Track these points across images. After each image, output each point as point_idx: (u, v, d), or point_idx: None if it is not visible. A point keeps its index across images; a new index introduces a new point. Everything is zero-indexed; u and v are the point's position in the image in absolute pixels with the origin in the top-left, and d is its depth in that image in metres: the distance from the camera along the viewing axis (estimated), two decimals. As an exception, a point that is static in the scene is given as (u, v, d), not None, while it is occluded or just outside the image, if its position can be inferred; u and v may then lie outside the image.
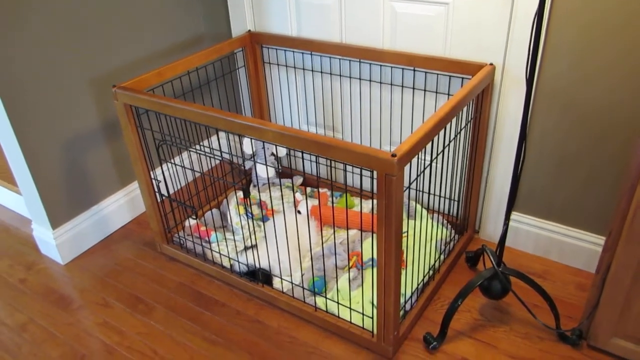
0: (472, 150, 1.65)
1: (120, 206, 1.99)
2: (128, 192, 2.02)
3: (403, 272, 1.64)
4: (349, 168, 2.06)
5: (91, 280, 1.78)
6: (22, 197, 2.01)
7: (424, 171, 1.38)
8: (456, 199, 1.81)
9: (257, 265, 1.64)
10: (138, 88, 1.60)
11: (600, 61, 1.39)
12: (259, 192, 1.62)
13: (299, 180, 2.13)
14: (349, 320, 1.50)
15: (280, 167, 2.18)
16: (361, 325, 1.48)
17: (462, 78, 1.61)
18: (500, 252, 1.46)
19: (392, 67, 1.72)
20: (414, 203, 1.89)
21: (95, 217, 1.91)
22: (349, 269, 1.67)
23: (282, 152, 2.10)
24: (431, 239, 1.74)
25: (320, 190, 2.08)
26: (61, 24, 1.64)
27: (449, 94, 1.66)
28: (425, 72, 1.67)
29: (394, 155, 1.12)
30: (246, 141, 2.05)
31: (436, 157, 1.34)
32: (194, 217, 1.89)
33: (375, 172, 1.37)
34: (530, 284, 1.46)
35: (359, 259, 1.71)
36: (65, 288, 1.76)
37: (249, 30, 1.96)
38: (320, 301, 1.57)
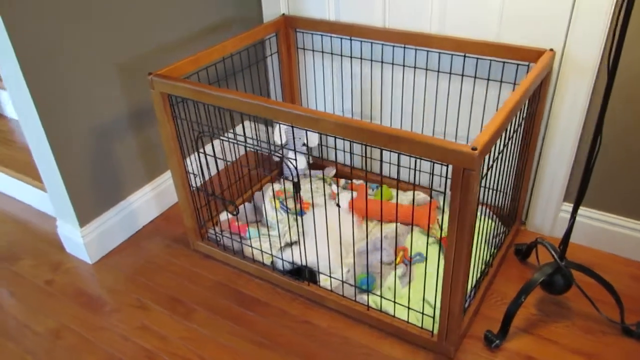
0: (525, 141, 1.58)
1: (148, 201, 1.90)
2: (155, 186, 1.92)
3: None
4: (403, 162, 1.98)
5: (123, 280, 1.69)
6: (45, 193, 1.91)
7: (493, 164, 1.30)
8: (506, 190, 1.75)
9: (304, 263, 1.57)
10: (174, 75, 1.50)
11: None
12: (298, 184, 1.54)
13: (331, 171, 2.05)
14: (405, 319, 1.43)
15: (311, 158, 2.09)
16: (419, 325, 1.42)
17: (517, 65, 1.53)
18: (564, 247, 1.39)
19: (440, 52, 1.64)
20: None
21: (123, 213, 1.82)
22: (396, 265, 1.61)
23: (313, 141, 2.01)
24: (479, 233, 1.68)
25: (355, 182, 2.01)
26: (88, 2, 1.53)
27: (501, 82, 1.59)
28: (477, 59, 1.59)
29: (474, 149, 1.05)
30: (277, 130, 1.96)
31: (504, 150, 1.27)
32: (235, 212, 1.80)
33: (449, 167, 1.30)
34: (594, 277, 1.40)
35: (406, 254, 1.64)
36: (95, 289, 1.67)
37: (283, 14, 1.86)
38: (372, 300, 1.50)
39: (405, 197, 1.90)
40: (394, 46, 1.72)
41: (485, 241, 1.66)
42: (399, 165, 1.27)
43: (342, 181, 2.02)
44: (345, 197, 1.82)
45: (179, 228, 1.91)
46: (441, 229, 1.69)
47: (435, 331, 1.39)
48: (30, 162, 2.09)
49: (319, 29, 1.79)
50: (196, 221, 1.72)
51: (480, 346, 1.41)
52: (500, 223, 1.74)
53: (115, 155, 1.75)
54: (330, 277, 1.57)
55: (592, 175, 1.59)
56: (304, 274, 1.57)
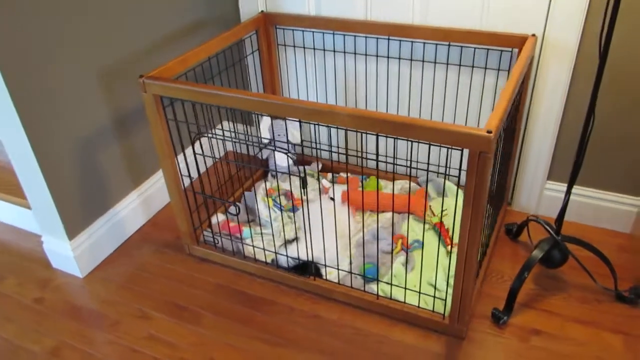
0: (511, 124, 1.65)
1: (135, 208, 1.84)
2: (141, 192, 1.87)
3: (454, 250, 1.63)
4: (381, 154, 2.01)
5: (119, 292, 1.64)
6: (26, 210, 1.82)
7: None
8: (496, 172, 1.81)
9: (310, 258, 1.57)
10: (165, 77, 1.47)
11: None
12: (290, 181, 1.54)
13: (317, 166, 2.06)
14: (414, 304, 1.47)
15: (295, 155, 2.09)
16: (430, 309, 1.45)
17: (501, 51, 1.59)
18: (560, 222, 1.47)
19: (424, 43, 1.68)
20: (441, 180, 1.88)
21: (111, 223, 1.76)
22: (397, 253, 1.64)
23: (296, 138, 2.01)
24: (454, 213, 1.73)
25: (342, 175, 2.02)
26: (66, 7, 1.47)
27: (485, 68, 1.64)
28: (461, 47, 1.64)
29: (489, 132, 1.09)
30: (264, 126, 1.95)
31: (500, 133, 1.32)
32: (236, 212, 1.77)
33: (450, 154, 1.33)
34: (589, 249, 1.49)
35: (404, 241, 1.68)
36: (92, 303, 1.61)
37: (262, 11, 1.85)
38: (380, 288, 1.52)
39: (394, 187, 1.94)
40: (377, 38, 1.74)
41: (479, 223, 1.72)
42: (394, 157, 1.30)
43: (329, 175, 2.03)
44: (337, 191, 1.83)
45: (169, 233, 1.86)
46: (443, 215, 1.73)
47: (446, 313, 1.43)
48: (4, 179, 1.98)
49: (300, 25, 1.79)
50: (191, 225, 1.69)
51: (488, 324, 1.47)
52: (489, 205, 1.81)
53: (100, 164, 1.69)
54: (338, 269, 1.58)
55: (571, 153, 1.68)
56: (310, 269, 1.57)
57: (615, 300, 1.50)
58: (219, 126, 2.23)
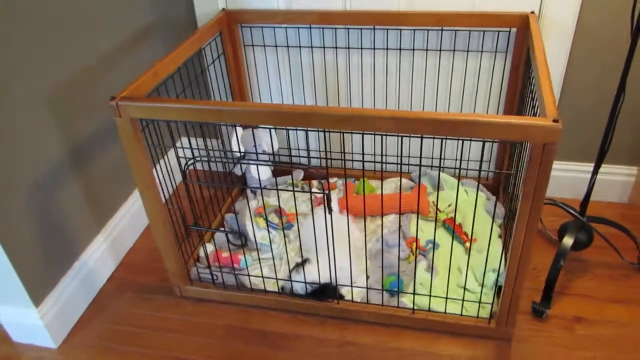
0: (508, 106, 1.58)
1: (103, 254, 1.56)
2: (107, 234, 1.58)
3: (474, 246, 1.54)
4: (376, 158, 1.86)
5: (106, 356, 1.37)
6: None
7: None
8: (488, 160, 1.75)
9: (327, 280, 1.40)
10: (138, 95, 1.22)
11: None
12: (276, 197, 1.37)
13: (300, 175, 1.88)
14: (456, 313, 1.36)
15: (273, 166, 1.90)
16: (474, 315, 1.35)
17: (498, 32, 1.51)
18: (585, 204, 1.42)
19: (414, 29, 1.56)
20: (435, 173, 1.79)
21: (80, 276, 1.47)
22: (414, 258, 1.52)
23: (275, 146, 1.81)
24: (477, 206, 1.66)
25: (330, 180, 1.87)
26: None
27: (482, 52, 1.56)
28: (454, 31, 1.54)
29: (555, 121, 0.99)
30: (235, 139, 1.73)
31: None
32: (242, 243, 1.56)
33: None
34: (613, 226, 1.47)
35: (418, 244, 1.56)
36: (76, 377, 1.33)
37: (224, 9, 1.62)
38: (409, 300, 1.39)
39: (387, 186, 1.81)
40: (361, 29, 1.60)
41: (487, 213, 1.65)
42: (401, 156, 1.17)
43: (314, 183, 1.86)
44: (333, 199, 1.68)
45: (148, 276, 1.60)
46: (449, 210, 1.64)
47: (485, 315, 1.33)
48: None
49: (271, 21, 1.60)
50: (183, 263, 1.45)
51: (529, 319, 1.39)
52: (488, 192, 1.75)
53: (59, 209, 1.39)
54: (368, 289, 1.42)
55: (570, 129, 1.65)
56: (330, 291, 1.40)
57: (638, 272, 1.50)
58: (178, 144, 1.97)
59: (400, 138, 1.74)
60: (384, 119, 1.05)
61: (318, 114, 1.08)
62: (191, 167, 2.01)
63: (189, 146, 1.93)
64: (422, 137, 1.07)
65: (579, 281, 1.49)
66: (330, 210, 1.23)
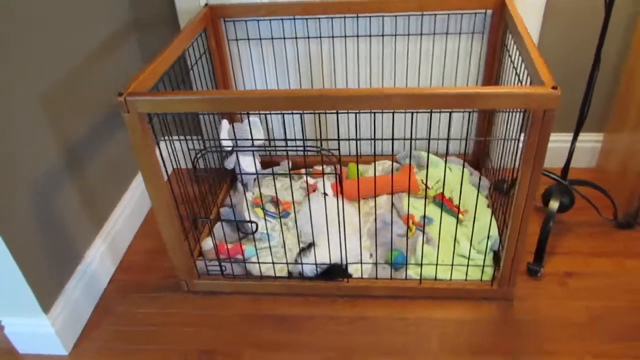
0: (485, 82, 1.68)
1: (102, 255, 1.53)
2: (105, 234, 1.56)
3: (466, 217, 1.62)
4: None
5: (125, 357, 1.35)
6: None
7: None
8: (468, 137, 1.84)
9: (335, 260, 1.44)
10: (142, 90, 1.22)
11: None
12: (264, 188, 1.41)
13: (286, 165, 1.91)
14: (461, 279, 1.43)
15: (259, 157, 1.91)
16: (477, 279, 1.43)
17: (475, 14, 1.60)
18: (566, 170, 1.54)
19: (396, 15, 1.62)
20: (418, 153, 1.86)
21: (85, 279, 1.44)
22: (414, 233, 1.59)
23: (261, 136, 1.83)
24: (462, 181, 1.75)
25: (317, 168, 1.90)
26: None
27: (460, 33, 1.64)
28: (435, 15, 1.61)
29: (555, 88, 1.07)
30: (224, 129, 1.73)
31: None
32: (253, 230, 1.56)
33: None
34: (593, 187, 1.59)
35: (414, 220, 1.63)
36: (95, 380, 1.31)
37: (207, 4, 1.63)
38: (415, 272, 1.46)
39: (376, 169, 1.87)
40: (344, 17, 1.64)
41: (473, 186, 1.74)
42: (393, 137, 1.23)
43: (302, 171, 1.90)
44: (326, 185, 1.72)
45: (150, 274, 1.58)
46: (436, 186, 1.71)
47: (486, 278, 1.42)
48: None
49: (255, 14, 1.62)
50: (191, 257, 1.46)
51: (525, 279, 1.49)
52: (471, 167, 1.84)
53: (59, 212, 1.36)
54: (376, 264, 1.48)
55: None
56: (338, 271, 1.45)
57: (617, 228, 1.63)
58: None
59: (392, 120, 1.80)
60: (398, 96, 1.10)
61: (329, 96, 1.12)
62: (175, 166, 2.00)
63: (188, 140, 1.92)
64: (431, 112, 1.13)
65: (564, 240, 1.60)
66: (341, 190, 1.27)
